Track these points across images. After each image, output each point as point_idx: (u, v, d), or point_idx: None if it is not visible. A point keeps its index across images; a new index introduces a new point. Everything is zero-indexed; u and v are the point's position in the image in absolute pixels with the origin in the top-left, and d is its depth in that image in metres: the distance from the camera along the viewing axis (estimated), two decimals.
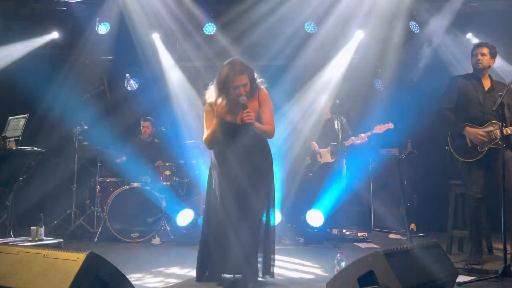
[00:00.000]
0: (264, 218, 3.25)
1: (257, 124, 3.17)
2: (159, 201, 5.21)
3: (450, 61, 6.19)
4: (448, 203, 4.54)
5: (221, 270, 3.18)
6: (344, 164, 5.56)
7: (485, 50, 3.93)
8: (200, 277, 3.27)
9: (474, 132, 3.81)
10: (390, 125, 5.30)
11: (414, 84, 6.35)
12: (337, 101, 5.44)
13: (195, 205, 5.68)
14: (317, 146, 5.63)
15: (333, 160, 5.49)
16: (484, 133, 3.79)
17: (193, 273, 3.48)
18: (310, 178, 5.66)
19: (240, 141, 3.18)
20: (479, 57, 3.94)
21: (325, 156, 5.57)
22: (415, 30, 6.34)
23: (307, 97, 6.55)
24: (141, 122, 6.10)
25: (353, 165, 5.83)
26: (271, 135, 3.27)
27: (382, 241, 5.23)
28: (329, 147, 5.52)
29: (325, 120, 5.74)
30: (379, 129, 5.32)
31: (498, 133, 3.72)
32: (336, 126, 5.41)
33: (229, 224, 3.12)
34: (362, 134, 5.38)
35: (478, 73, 4.00)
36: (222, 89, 3.14)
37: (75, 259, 2.17)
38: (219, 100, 3.13)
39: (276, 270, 3.66)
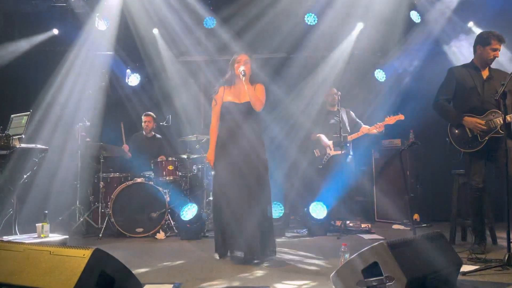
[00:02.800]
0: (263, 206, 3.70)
1: (250, 86, 3.77)
2: (162, 196, 5.23)
3: (452, 51, 6.16)
4: (451, 193, 4.54)
5: (231, 248, 3.73)
6: (351, 156, 5.57)
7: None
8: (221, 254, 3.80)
9: (473, 121, 3.80)
10: (401, 117, 5.23)
11: (416, 74, 6.32)
12: (338, 92, 5.42)
13: (199, 200, 5.70)
14: (326, 138, 5.59)
15: (343, 152, 5.48)
16: (483, 122, 3.77)
17: (198, 265, 3.56)
18: (317, 170, 5.63)
19: (239, 120, 3.77)
20: (497, 53, 3.83)
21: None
22: (416, 20, 6.30)
23: (308, 89, 6.55)
24: (143, 117, 6.10)
25: (356, 156, 5.83)
26: (258, 104, 3.78)
27: (385, 232, 5.24)
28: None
29: (330, 112, 5.71)
30: (390, 120, 5.27)
31: (498, 122, 3.70)
32: (344, 118, 5.42)
33: (227, 204, 3.70)
34: (379, 123, 5.33)
35: (482, 64, 3.92)
36: (230, 68, 3.89)
37: (81, 256, 2.18)
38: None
39: (280, 262, 3.70)
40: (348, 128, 5.57)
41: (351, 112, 5.73)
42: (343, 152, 5.23)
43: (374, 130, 5.38)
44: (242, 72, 3.72)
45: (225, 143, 3.80)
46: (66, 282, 2.11)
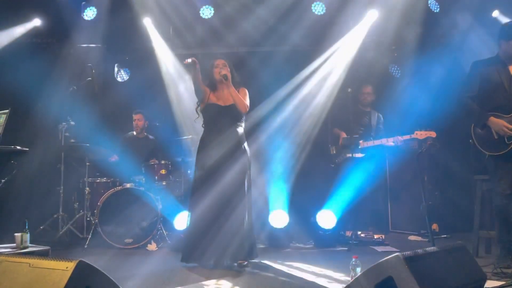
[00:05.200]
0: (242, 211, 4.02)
1: (234, 89, 4.15)
2: (154, 203, 5.22)
3: (475, 43, 6.14)
4: (474, 200, 4.52)
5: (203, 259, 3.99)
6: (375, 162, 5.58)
7: None
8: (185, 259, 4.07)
9: (500, 123, 3.76)
10: (432, 133, 5.12)
11: (435, 69, 6.30)
12: (349, 89, 5.42)
13: None
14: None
15: (363, 155, 5.46)
16: (510, 126, 3.74)
17: (193, 279, 3.55)
18: (328, 170, 5.60)
19: (222, 123, 4.15)
20: None
21: None
22: (434, 9, 6.28)
23: (315, 87, 6.53)
24: (133, 115, 6.09)
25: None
26: (243, 106, 4.18)
27: (401, 244, 5.24)
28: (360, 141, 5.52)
29: (363, 112, 5.72)
30: (420, 135, 5.19)
31: None
32: (373, 122, 5.46)
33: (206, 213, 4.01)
34: (399, 137, 5.28)
35: (508, 59, 3.89)
36: (208, 74, 4.25)
37: (63, 269, 2.17)
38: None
39: (285, 276, 3.69)
40: (374, 133, 5.60)
41: (381, 117, 5.76)
42: (362, 155, 5.19)
43: (392, 142, 5.34)
44: (225, 76, 4.12)
45: (208, 145, 4.17)
46: None
